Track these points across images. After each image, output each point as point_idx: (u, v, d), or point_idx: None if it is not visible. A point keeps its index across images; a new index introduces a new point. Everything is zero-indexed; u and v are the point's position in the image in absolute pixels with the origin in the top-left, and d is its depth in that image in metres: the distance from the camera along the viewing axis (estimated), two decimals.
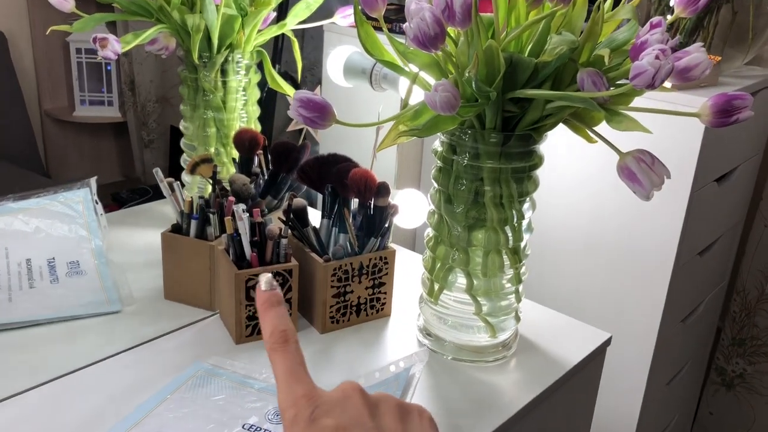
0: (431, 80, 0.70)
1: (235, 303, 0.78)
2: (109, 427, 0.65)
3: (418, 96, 0.70)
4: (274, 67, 1.04)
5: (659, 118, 0.63)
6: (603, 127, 0.67)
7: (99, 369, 0.75)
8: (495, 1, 0.65)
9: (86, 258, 0.93)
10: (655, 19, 0.61)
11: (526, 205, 0.76)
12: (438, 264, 0.78)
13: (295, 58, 1.03)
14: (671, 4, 0.68)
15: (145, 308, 0.86)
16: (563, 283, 1.24)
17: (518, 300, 0.80)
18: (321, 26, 1.08)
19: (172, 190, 0.84)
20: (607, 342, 0.88)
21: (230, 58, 0.99)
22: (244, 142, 0.93)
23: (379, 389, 0.69)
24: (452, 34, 0.68)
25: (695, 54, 0.59)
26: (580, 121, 0.69)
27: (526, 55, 0.66)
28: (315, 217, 0.88)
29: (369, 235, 0.83)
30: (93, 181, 1.00)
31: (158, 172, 0.85)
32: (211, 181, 0.88)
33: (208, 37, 0.95)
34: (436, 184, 0.76)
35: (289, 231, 0.81)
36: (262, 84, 1.05)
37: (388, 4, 0.70)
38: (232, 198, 0.83)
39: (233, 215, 0.77)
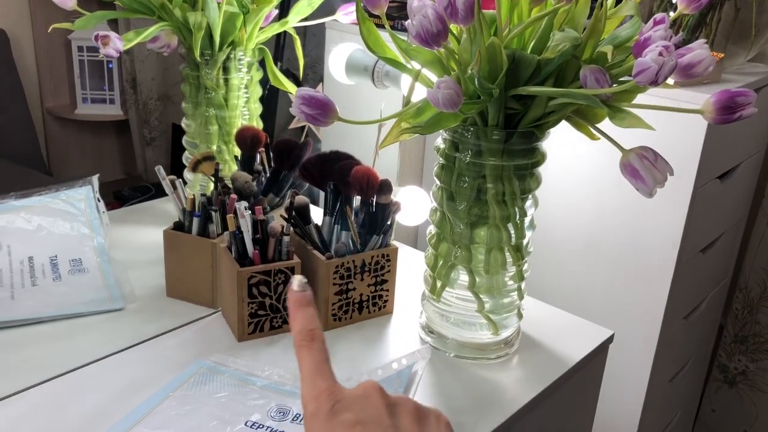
0: (433, 77, 0.70)
1: (238, 300, 0.78)
2: (112, 425, 0.65)
3: (420, 93, 0.70)
4: (275, 64, 1.04)
5: (662, 115, 0.63)
6: (606, 124, 0.67)
7: (101, 366, 0.75)
8: None
9: (88, 256, 0.93)
10: (659, 15, 0.60)
11: (528, 203, 0.76)
12: (440, 261, 0.78)
13: (297, 55, 1.03)
14: (674, 0, 0.68)
15: (148, 306, 0.86)
16: (565, 280, 1.23)
17: (520, 297, 0.80)
18: (323, 24, 1.08)
19: (174, 187, 0.84)
20: (610, 339, 0.88)
21: (232, 56, 0.99)
22: (246, 139, 0.93)
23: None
24: (454, 31, 0.68)
25: (698, 51, 0.59)
26: (583, 118, 0.69)
27: (528, 52, 0.66)
28: (317, 214, 0.88)
29: (371, 233, 0.83)
30: (95, 179, 1.00)
31: (160, 170, 0.85)
32: (213, 179, 0.88)
33: (210, 35, 0.95)
34: (438, 182, 0.76)
35: (292, 228, 0.81)
36: (264, 81, 1.05)
37: (390, 2, 0.70)
38: (234, 195, 0.83)
39: (235, 213, 0.77)
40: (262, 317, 0.80)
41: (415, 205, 1.00)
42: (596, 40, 0.65)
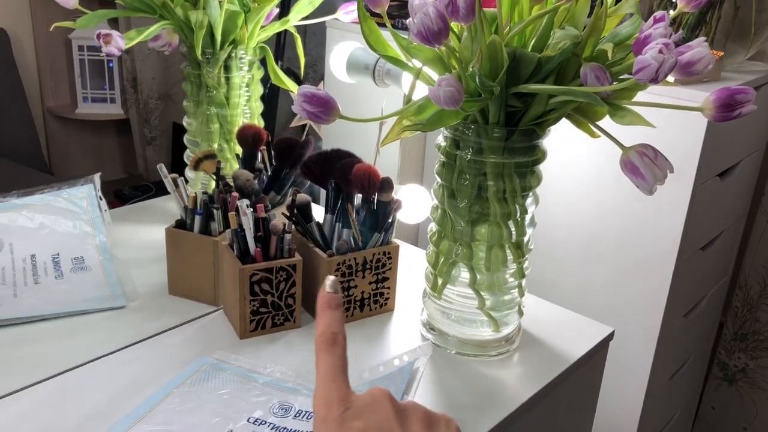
0: (434, 75, 0.71)
1: (240, 298, 0.78)
2: (115, 422, 0.65)
3: (421, 91, 0.70)
4: (276, 63, 1.04)
5: (662, 112, 0.63)
6: (606, 122, 0.67)
7: (104, 364, 0.75)
8: None
9: (91, 254, 0.93)
10: (659, 13, 0.61)
11: (529, 200, 0.76)
12: (441, 259, 0.78)
13: (298, 54, 1.04)
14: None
15: (150, 304, 0.86)
16: (566, 277, 1.24)
17: (521, 294, 0.81)
18: (323, 22, 1.09)
19: (176, 185, 0.85)
20: (610, 336, 0.88)
21: (233, 55, 0.99)
22: (248, 138, 0.94)
23: (383, 383, 0.70)
24: (455, 29, 0.68)
25: (698, 49, 0.59)
26: (584, 115, 0.69)
27: (529, 50, 0.66)
28: (317, 212, 0.88)
29: (372, 230, 0.84)
30: (97, 177, 1.00)
31: (162, 168, 0.85)
32: (214, 177, 0.88)
33: (211, 34, 0.95)
34: (439, 179, 0.76)
35: (293, 226, 0.81)
36: (265, 80, 1.05)
37: (390, 0, 0.71)
38: (235, 194, 0.84)
39: (237, 210, 0.78)
40: (264, 315, 0.81)
41: (415, 203, 1.00)
42: (597, 38, 0.65)
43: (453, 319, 0.81)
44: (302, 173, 0.88)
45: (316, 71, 1.70)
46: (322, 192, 0.88)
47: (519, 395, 0.74)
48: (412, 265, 1.00)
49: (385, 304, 0.88)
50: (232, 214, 0.78)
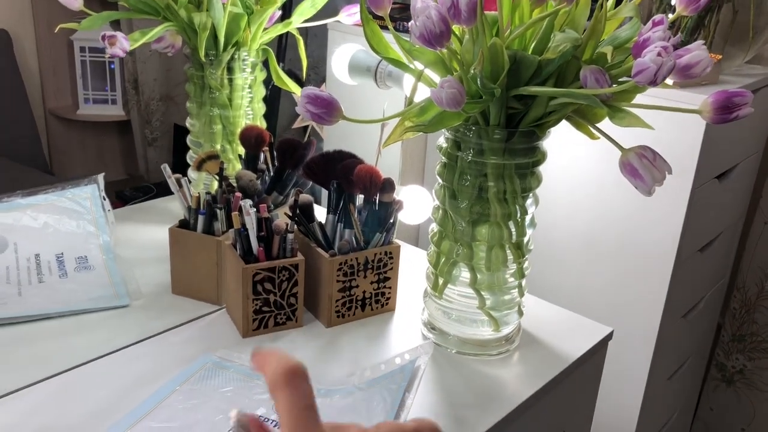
0: (436, 77, 0.71)
1: (242, 297, 0.79)
2: (120, 418, 0.66)
3: (422, 93, 0.71)
4: (278, 65, 1.05)
5: (661, 115, 0.64)
6: (605, 124, 0.68)
7: (109, 361, 0.76)
8: (499, 0, 0.66)
9: (94, 253, 0.94)
10: (657, 17, 0.62)
11: (529, 201, 0.77)
12: (442, 259, 0.79)
13: (300, 56, 1.04)
14: (673, 2, 0.69)
15: (153, 302, 0.87)
16: (565, 278, 1.25)
17: (521, 294, 0.82)
18: (325, 24, 1.09)
19: (180, 186, 0.86)
20: (609, 336, 0.89)
21: (236, 56, 1.00)
22: (251, 139, 0.95)
23: (385, 381, 0.70)
24: (457, 32, 0.69)
25: (696, 52, 0.60)
26: (583, 117, 0.70)
27: (529, 52, 0.67)
28: (319, 213, 0.89)
29: (374, 231, 0.84)
30: (100, 177, 1.01)
31: (166, 168, 0.86)
32: (217, 178, 0.89)
33: (214, 35, 0.96)
34: (440, 180, 0.77)
35: (296, 226, 0.82)
36: (266, 82, 1.06)
37: (392, 3, 0.71)
38: (239, 194, 0.85)
39: (240, 210, 0.78)
40: (267, 314, 0.81)
41: (416, 204, 1.01)
42: (596, 41, 0.66)
43: (453, 319, 0.81)
44: (305, 174, 0.89)
45: (317, 73, 1.71)
46: (323, 192, 0.89)
47: (519, 394, 0.75)
48: (412, 266, 1.00)
49: (387, 303, 0.89)
50: (235, 214, 0.79)
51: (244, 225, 0.79)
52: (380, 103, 1.08)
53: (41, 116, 2.32)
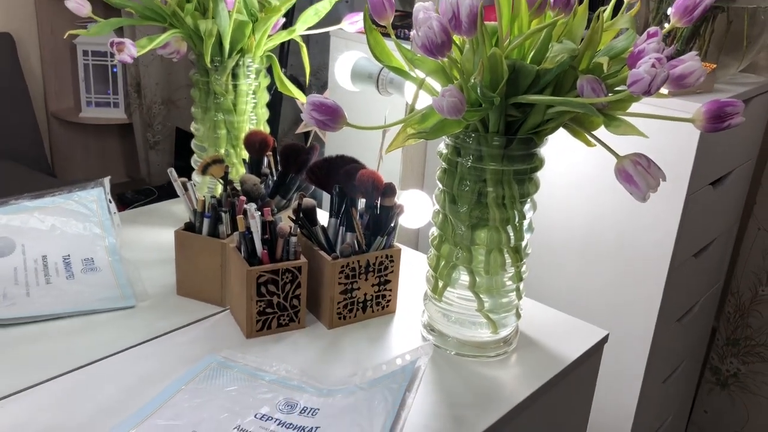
0: (437, 86, 0.73)
1: (247, 299, 0.81)
2: (128, 416, 0.68)
3: (423, 101, 0.73)
4: (281, 70, 1.07)
5: (656, 123, 0.66)
6: (601, 132, 0.70)
7: (116, 360, 0.78)
8: (499, 10, 0.68)
9: (100, 255, 0.95)
10: (652, 29, 0.64)
11: (527, 206, 0.79)
12: (442, 262, 0.81)
13: (304, 62, 1.06)
14: (669, 13, 0.71)
15: (159, 304, 0.89)
16: (562, 282, 1.26)
17: (519, 297, 0.83)
18: (327, 32, 1.11)
19: (186, 189, 0.87)
20: (605, 339, 0.91)
21: (241, 63, 1.02)
22: (255, 143, 0.96)
23: (386, 381, 0.72)
24: (457, 42, 0.71)
25: (690, 62, 0.62)
26: (580, 125, 0.72)
27: (528, 62, 0.69)
28: (321, 217, 0.91)
29: (375, 234, 0.86)
30: (106, 180, 1.03)
31: (172, 172, 0.88)
32: (222, 181, 0.91)
33: (219, 42, 0.98)
34: (441, 185, 0.79)
35: (299, 229, 0.84)
36: (268, 87, 1.08)
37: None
38: (243, 197, 0.86)
39: (245, 214, 0.80)
40: (270, 315, 0.83)
41: (416, 208, 1.03)
42: (593, 52, 0.68)
43: (453, 321, 0.83)
44: (307, 178, 0.91)
45: (319, 79, 1.73)
46: (324, 197, 0.91)
47: (516, 395, 0.77)
48: (412, 269, 1.02)
49: (387, 305, 0.91)
50: (240, 217, 0.81)
51: (248, 228, 0.80)
52: (380, 108, 1.10)
53: (44, 119, 2.33)
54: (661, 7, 1.17)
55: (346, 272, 0.85)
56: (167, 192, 1.34)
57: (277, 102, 1.70)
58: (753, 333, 1.63)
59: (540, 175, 0.78)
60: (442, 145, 0.78)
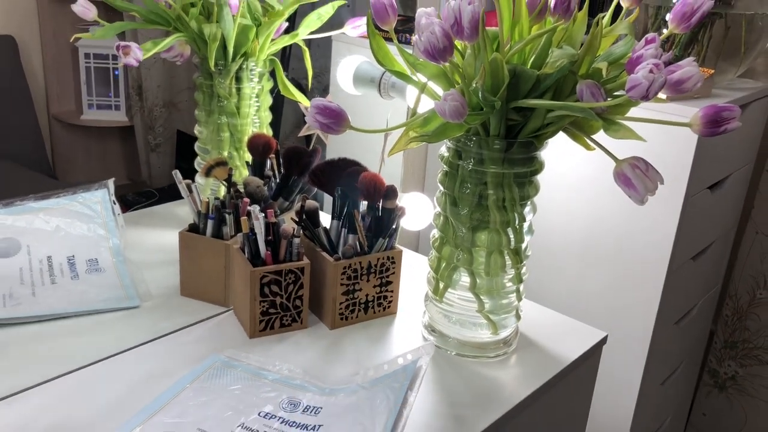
0: (438, 90, 0.75)
1: (250, 299, 0.82)
2: (134, 413, 0.69)
3: (425, 104, 0.74)
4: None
5: (655, 127, 0.67)
6: (600, 136, 0.71)
7: (122, 359, 0.79)
8: (500, 16, 0.70)
9: (105, 256, 0.96)
10: (650, 35, 0.65)
11: (527, 209, 0.80)
12: (443, 263, 0.82)
13: (306, 66, 1.07)
14: (667, 19, 0.72)
15: (163, 304, 0.90)
16: (561, 284, 1.27)
17: (519, 299, 0.84)
18: (329, 36, 1.12)
19: (190, 191, 0.88)
20: (603, 340, 0.92)
21: (244, 66, 1.03)
22: (258, 146, 0.97)
23: (388, 380, 0.73)
24: (459, 47, 0.72)
25: (687, 68, 0.63)
26: (579, 129, 0.73)
27: (528, 67, 0.70)
28: (322, 219, 0.92)
29: (377, 236, 0.87)
30: (111, 182, 1.04)
31: (177, 174, 0.89)
32: (225, 183, 0.92)
33: (223, 46, 0.99)
34: (442, 188, 0.80)
35: (302, 231, 0.85)
36: (270, 90, 1.09)
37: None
38: (246, 199, 0.87)
39: (249, 215, 0.81)
40: (273, 315, 0.84)
41: (417, 210, 1.04)
42: (592, 57, 0.69)
43: (453, 322, 0.84)
44: (310, 181, 0.92)
45: (320, 82, 1.74)
46: (326, 199, 0.92)
47: (516, 395, 0.78)
48: (413, 271, 1.03)
49: (389, 306, 0.92)
50: (244, 219, 0.82)
51: (252, 229, 0.81)
52: (381, 112, 1.11)
53: (45, 121, 2.34)
54: (660, 13, 1.18)
55: (348, 273, 0.86)
56: (168, 194, 1.35)
57: (278, 105, 1.71)
58: (751, 336, 1.64)
59: (540, 178, 0.79)
60: (444, 148, 0.79)
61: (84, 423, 0.68)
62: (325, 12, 1.03)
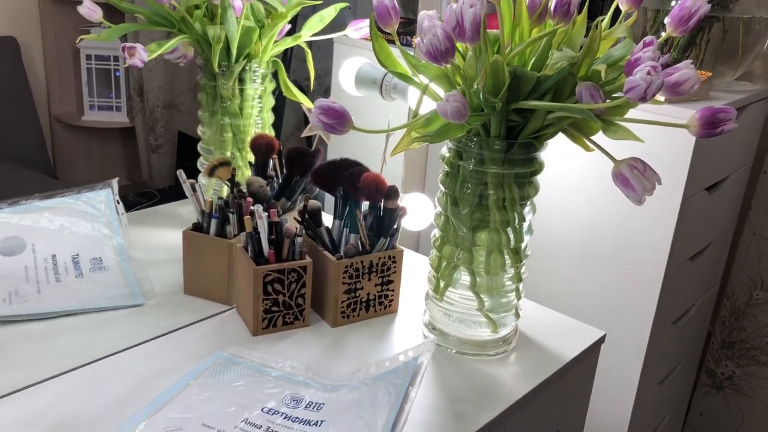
0: (440, 91, 0.76)
1: (253, 297, 0.83)
2: (139, 409, 0.70)
3: (427, 105, 0.75)
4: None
5: (653, 128, 0.68)
6: (599, 137, 0.72)
7: (126, 356, 0.80)
8: (500, 19, 0.71)
9: (108, 255, 0.97)
10: (648, 38, 0.66)
11: (527, 209, 0.81)
12: (444, 262, 0.83)
13: (309, 68, 1.08)
14: (665, 23, 0.73)
15: (166, 302, 0.91)
16: (560, 284, 1.28)
17: (518, 297, 0.86)
18: (331, 38, 1.13)
19: (194, 190, 0.89)
20: (602, 339, 0.93)
21: (248, 68, 1.04)
22: (261, 146, 0.99)
23: (389, 376, 0.74)
24: (461, 49, 0.73)
25: (685, 70, 0.64)
26: (578, 130, 0.74)
27: (529, 69, 0.71)
28: (324, 219, 0.93)
29: (379, 236, 0.88)
30: (115, 182, 1.05)
31: (181, 174, 0.90)
32: (228, 183, 0.93)
33: (227, 48, 1.00)
34: (443, 188, 0.81)
35: (304, 230, 0.86)
36: (274, 91, 1.10)
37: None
38: (249, 199, 0.88)
39: (252, 215, 0.82)
40: (276, 313, 0.85)
41: (418, 210, 1.05)
42: (591, 59, 0.70)
43: (454, 320, 0.85)
44: (313, 181, 0.93)
45: (321, 83, 1.75)
46: (328, 199, 0.93)
47: (515, 392, 0.79)
48: (414, 271, 1.04)
49: (390, 305, 0.93)
50: (247, 218, 0.83)
51: (255, 228, 0.82)
52: (382, 113, 1.12)
53: (47, 122, 2.35)
54: (658, 16, 1.20)
55: (350, 272, 0.87)
56: (169, 195, 1.36)
57: (281, 106, 1.72)
58: (748, 336, 1.65)
59: (539, 178, 0.81)
60: (445, 148, 0.80)
61: (90, 418, 0.69)
62: (328, 14, 1.04)
